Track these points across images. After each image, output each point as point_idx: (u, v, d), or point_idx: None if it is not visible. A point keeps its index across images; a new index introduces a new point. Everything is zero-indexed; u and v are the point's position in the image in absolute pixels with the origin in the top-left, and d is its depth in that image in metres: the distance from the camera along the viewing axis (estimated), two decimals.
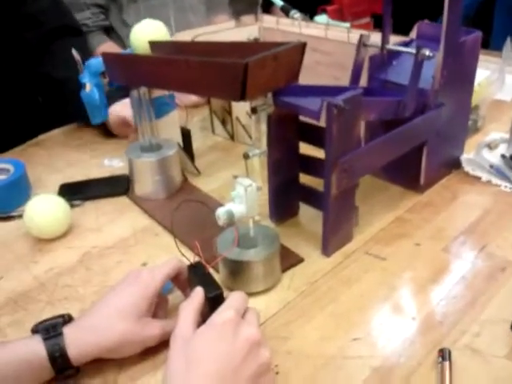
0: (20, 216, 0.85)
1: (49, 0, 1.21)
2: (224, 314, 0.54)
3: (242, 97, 0.64)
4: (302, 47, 0.70)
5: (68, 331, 0.56)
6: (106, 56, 0.88)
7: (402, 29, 1.12)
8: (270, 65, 0.66)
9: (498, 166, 0.91)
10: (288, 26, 1.19)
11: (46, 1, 1.20)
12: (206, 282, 0.60)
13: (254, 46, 0.76)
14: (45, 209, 0.81)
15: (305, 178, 0.82)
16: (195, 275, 0.62)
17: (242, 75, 0.62)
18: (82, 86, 0.98)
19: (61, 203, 0.83)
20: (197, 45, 0.86)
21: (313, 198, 0.81)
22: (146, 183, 0.91)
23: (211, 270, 0.63)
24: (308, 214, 0.83)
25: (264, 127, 0.72)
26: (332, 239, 0.75)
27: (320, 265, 0.74)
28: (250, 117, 0.72)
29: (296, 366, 0.58)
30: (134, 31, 0.89)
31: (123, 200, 0.92)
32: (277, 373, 0.57)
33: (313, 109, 0.70)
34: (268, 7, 1.20)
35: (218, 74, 0.66)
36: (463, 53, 0.85)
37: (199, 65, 0.68)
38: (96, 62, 0.96)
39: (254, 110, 0.70)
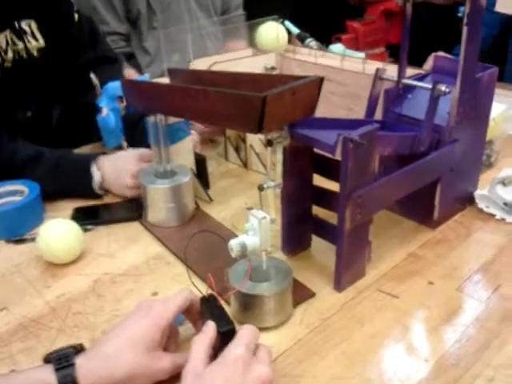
0: (33, 239, 0.86)
1: (88, 30, 1.25)
2: (235, 350, 0.54)
3: (258, 130, 0.65)
4: (319, 82, 0.71)
5: (80, 362, 0.56)
6: (125, 82, 0.89)
7: (416, 59, 1.13)
8: (287, 99, 0.66)
9: (511, 203, 0.91)
10: (304, 56, 1.20)
11: (87, 30, 1.25)
12: (218, 315, 0.60)
13: (271, 79, 0.77)
14: (58, 234, 0.81)
15: (317, 210, 0.82)
16: (207, 308, 0.62)
17: (260, 109, 0.62)
18: (98, 109, 1.00)
19: (74, 228, 0.83)
20: (215, 74, 0.87)
21: (325, 231, 0.81)
22: (159, 210, 0.91)
23: (223, 303, 0.63)
24: (320, 247, 0.83)
25: (279, 158, 0.72)
26: (344, 274, 0.75)
27: (332, 300, 0.73)
28: (265, 148, 0.72)
29: None
30: (260, 30, 1.16)
31: (136, 226, 0.93)
32: None
33: (328, 143, 0.70)
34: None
35: (235, 106, 0.67)
36: (479, 89, 0.85)
37: (217, 96, 0.69)
38: (113, 87, 0.98)
39: (269, 143, 0.70)
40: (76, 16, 1.21)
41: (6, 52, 1.04)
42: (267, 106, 0.62)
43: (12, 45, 1.05)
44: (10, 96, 1.07)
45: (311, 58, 1.17)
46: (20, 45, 1.06)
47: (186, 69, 0.93)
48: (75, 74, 1.20)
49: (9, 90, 1.06)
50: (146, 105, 0.87)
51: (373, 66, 1.03)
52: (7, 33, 1.03)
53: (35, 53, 1.10)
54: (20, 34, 1.06)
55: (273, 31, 1.12)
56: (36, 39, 1.10)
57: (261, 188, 0.69)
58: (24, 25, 1.08)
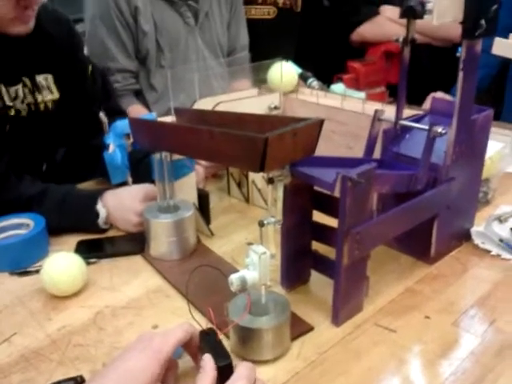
0: (37, 271, 0.87)
1: (101, 82, 1.32)
2: None
3: (261, 169, 0.67)
4: (319, 124, 0.73)
5: None
6: (133, 120, 0.92)
7: (416, 98, 1.16)
8: (288, 140, 0.69)
9: (507, 240, 0.93)
10: (307, 96, 1.24)
11: (99, 83, 1.31)
12: (217, 349, 0.61)
13: (274, 120, 0.80)
14: (62, 267, 0.83)
15: (317, 246, 0.84)
16: (206, 342, 0.63)
17: (262, 149, 0.64)
18: (105, 146, 1.03)
19: (78, 261, 0.85)
20: (220, 114, 0.90)
21: (324, 266, 0.82)
22: (162, 243, 0.93)
23: (222, 336, 0.64)
24: (319, 282, 0.84)
25: (280, 195, 0.74)
26: (342, 309, 0.76)
27: (329, 334, 0.74)
28: (267, 184, 0.74)
29: None
30: (271, 70, 1.25)
31: (138, 259, 0.94)
32: None
33: (327, 181, 0.72)
34: None
35: (239, 146, 0.69)
36: (475, 129, 0.88)
37: (222, 136, 0.72)
38: (121, 124, 1.01)
39: (271, 180, 0.72)
40: (90, 68, 1.27)
41: (22, 102, 1.09)
42: (269, 147, 0.64)
43: (28, 96, 1.10)
44: (22, 144, 1.12)
45: (313, 98, 1.21)
46: (36, 97, 1.12)
47: (191, 108, 0.96)
48: (87, 122, 1.25)
49: (21, 139, 1.11)
50: (152, 142, 0.90)
51: (372, 106, 1.06)
52: (20, 86, 1.09)
53: (50, 105, 1.15)
54: (37, 87, 1.12)
55: (284, 71, 1.18)
56: (52, 92, 1.15)
57: (261, 224, 0.71)
58: (42, 79, 1.13)
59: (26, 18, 1.01)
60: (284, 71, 1.17)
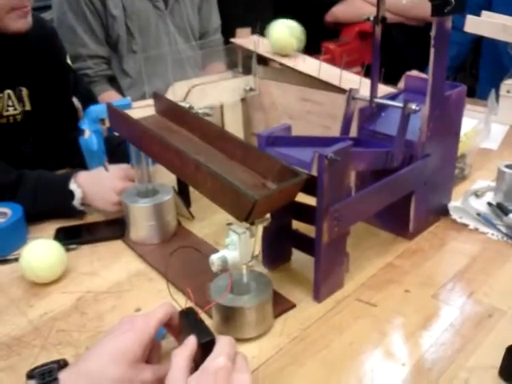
0: (16, 260, 0.86)
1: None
2: (216, 361, 0.55)
3: (245, 220, 0.66)
4: (302, 182, 0.71)
5: (63, 377, 0.57)
6: (111, 110, 0.90)
7: (392, 77, 1.17)
8: (275, 196, 0.68)
9: (484, 213, 0.94)
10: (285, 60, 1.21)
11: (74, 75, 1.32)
12: (198, 328, 0.61)
13: (259, 155, 0.75)
14: (41, 253, 0.82)
15: (297, 225, 0.84)
16: (187, 321, 0.63)
17: (250, 208, 0.63)
18: (80, 132, 1.02)
19: (57, 248, 0.84)
20: (202, 122, 0.85)
21: (305, 244, 0.83)
22: (141, 228, 0.93)
23: (205, 316, 0.64)
24: (300, 260, 0.85)
25: (259, 235, 0.73)
26: (323, 285, 0.77)
27: (312, 311, 0.75)
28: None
29: None
30: (272, 27, 1.19)
31: (118, 244, 0.94)
32: None
33: (305, 160, 0.73)
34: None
35: (227, 194, 0.67)
36: (448, 106, 0.89)
37: (210, 176, 0.68)
38: (96, 110, 0.99)
39: (252, 223, 0.68)
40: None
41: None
42: (257, 206, 0.63)
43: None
44: None
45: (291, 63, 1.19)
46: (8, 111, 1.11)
47: (170, 100, 0.94)
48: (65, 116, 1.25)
49: None
50: (131, 140, 0.88)
51: (349, 75, 1.09)
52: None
53: (19, 117, 1.14)
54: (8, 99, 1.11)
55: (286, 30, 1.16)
56: (24, 106, 1.15)
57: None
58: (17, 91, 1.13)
59: (23, 13, 1.01)
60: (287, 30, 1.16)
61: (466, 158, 1.11)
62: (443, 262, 0.86)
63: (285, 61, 1.21)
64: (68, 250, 0.89)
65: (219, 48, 1.62)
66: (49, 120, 1.21)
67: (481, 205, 0.97)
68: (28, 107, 1.15)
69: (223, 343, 0.58)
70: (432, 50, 0.80)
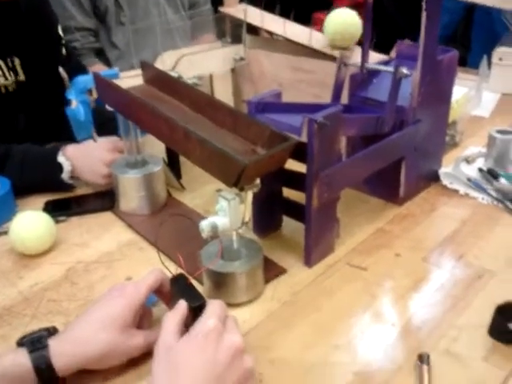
0: (5, 232, 0.86)
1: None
2: (207, 323, 0.55)
3: (234, 185, 0.65)
4: (292, 146, 0.69)
5: (53, 343, 0.57)
6: (99, 80, 0.88)
7: (385, 47, 1.16)
8: (265, 161, 0.67)
9: (475, 179, 0.94)
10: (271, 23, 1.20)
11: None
12: (189, 293, 0.61)
13: (249, 122, 0.74)
14: (30, 225, 0.82)
15: (288, 193, 0.84)
16: (177, 287, 0.63)
17: (240, 172, 0.62)
18: (67, 102, 1.00)
19: (46, 219, 0.84)
20: (191, 90, 0.84)
21: (295, 210, 0.83)
22: (131, 199, 0.92)
23: (196, 283, 0.64)
24: (291, 227, 0.85)
25: (249, 199, 0.72)
26: (314, 250, 0.76)
27: (302, 276, 0.75)
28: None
29: (279, 374, 0.59)
30: (330, 16, 1.09)
31: (108, 215, 0.93)
32: (260, 381, 0.58)
33: (295, 125, 0.72)
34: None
35: (216, 160, 0.66)
36: (440, 71, 0.88)
37: (199, 143, 0.68)
38: (83, 80, 0.98)
39: (241, 189, 0.68)
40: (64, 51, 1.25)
41: None
42: (246, 170, 0.62)
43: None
44: None
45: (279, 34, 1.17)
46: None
47: (159, 69, 0.93)
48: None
49: None
50: (119, 109, 0.86)
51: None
52: None
53: (11, 88, 1.11)
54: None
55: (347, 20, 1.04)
56: (17, 75, 1.12)
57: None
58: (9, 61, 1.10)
59: None
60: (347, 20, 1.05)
61: (457, 124, 1.10)
62: (433, 226, 0.86)
63: (274, 29, 1.19)
64: (57, 221, 0.88)
65: (209, 18, 1.60)
66: (41, 91, 1.18)
67: (471, 170, 0.97)
68: (22, 77, 1.13)
69: (213, 306, 0.58)
70: (424, 14, 0.79)
